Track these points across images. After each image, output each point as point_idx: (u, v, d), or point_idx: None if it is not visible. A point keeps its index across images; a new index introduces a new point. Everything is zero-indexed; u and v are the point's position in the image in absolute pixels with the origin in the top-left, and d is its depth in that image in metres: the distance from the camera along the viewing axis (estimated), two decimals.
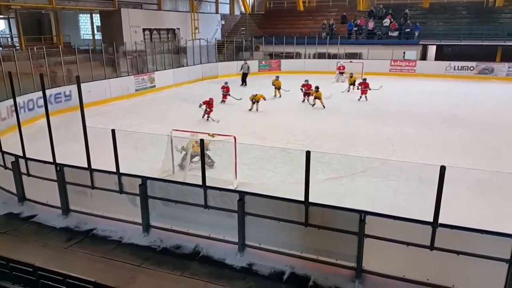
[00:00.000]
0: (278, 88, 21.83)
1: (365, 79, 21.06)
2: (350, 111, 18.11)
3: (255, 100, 18.00)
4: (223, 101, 19.89)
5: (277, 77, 22.44)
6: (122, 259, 6.96)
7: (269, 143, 11.92)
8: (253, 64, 31.46)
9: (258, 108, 17.97)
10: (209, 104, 16.01)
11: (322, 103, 18.87)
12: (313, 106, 19.10)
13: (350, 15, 34.79)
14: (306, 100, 20.34)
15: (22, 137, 8.50)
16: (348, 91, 21.98)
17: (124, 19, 25.66)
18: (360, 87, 20.76)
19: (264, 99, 18.26)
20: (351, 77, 23.03)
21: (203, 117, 15.96)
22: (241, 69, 26.91)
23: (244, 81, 26.49)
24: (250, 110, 17.91)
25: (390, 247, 6.07)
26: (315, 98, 19.00)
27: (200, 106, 15.95)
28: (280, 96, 21.81)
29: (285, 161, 11.68)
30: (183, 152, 10.40)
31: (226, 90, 19.99)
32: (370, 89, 20.59)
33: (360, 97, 20.67)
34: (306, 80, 20.64)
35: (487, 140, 13.86)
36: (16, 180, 8.83)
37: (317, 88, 19.26)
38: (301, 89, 20.44)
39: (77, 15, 32.15)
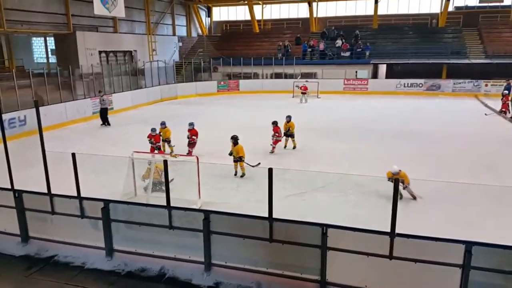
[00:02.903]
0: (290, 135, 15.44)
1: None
2: (305, 129, 18.49)
3: (236, 158, 12.16)
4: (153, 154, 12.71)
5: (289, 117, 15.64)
6: (85, 285, 6.80)
7: (231, 162, 12.04)
8: (212, 85, 31.78)
9: (243, 173, 12.24)
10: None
11: (293, 141, 15.26)
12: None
13: (303, 36, 35.90)
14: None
15: None
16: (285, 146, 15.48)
17: (80, 42, 25.40)
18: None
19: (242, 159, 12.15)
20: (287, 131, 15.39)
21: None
22: (100, 102, 20.58)
23: (105, 120, 20.42)
24: (235, 175, 12.28)
25: (352, 258, 6.24)
26: (285, 135, 15.07)
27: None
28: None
29: (247, 179, 11.83)
30: (146, 180, 10.38)
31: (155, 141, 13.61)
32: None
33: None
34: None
35: (438, 152, 14.54)
36: None
37: (288, 118, 15.30)
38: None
39: (30, 38, 31.41)
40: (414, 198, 9.99)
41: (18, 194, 7.90)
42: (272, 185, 6.39)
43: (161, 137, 13.87)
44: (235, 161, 12.09)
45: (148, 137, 13.55)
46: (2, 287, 6.63)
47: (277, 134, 14.69)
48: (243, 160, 12.00)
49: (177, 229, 7.13)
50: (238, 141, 12.19)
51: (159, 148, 13.58)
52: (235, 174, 12.16)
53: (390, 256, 6.06)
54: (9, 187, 7.83)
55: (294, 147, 15.26)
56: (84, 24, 27.05)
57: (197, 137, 13.72)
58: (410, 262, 5.99)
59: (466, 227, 8.36)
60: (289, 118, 15.38)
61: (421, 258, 5.94)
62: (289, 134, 15.20)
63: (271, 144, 14.74)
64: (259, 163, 11.94)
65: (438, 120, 20.92)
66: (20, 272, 7.20)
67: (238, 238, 6.80)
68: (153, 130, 13.53)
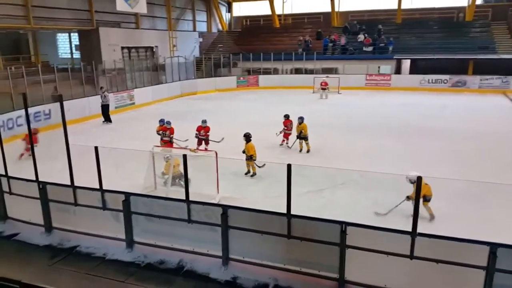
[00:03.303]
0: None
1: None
2: (327, 125, 18.39)
3: (247, 156, 11.89)
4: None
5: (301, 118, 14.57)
6: (106, 276, 6.94)
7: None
8: (232, 81, 31.82)
9: (254, 172, 12.00)
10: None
11: (307, 145, 14.17)
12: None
13: (325, 31, 35.53)
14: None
15: (4, 156, 8.42)
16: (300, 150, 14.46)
17: (103, 38, 25.77)
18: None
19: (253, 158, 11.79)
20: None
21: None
22: (102, 99, 19.98)
23: (106, 118, 20.07)
24: (246, 174, 12.05)
25: (371, 257, 6.17)
26: (298, 137, 14.19)
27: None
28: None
29: (266, 175, 11.82)
30: (165, 176, 10.48)
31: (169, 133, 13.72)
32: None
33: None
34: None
35: (462, 151, 14.23)
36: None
37: (300, 120, 14.15)
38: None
39: (55, 34, 32.02)
40: (432, 217, 8.95)
41: (43, 186, 8.08)
42: (291, 181, 6.36)
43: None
44: (247, 159, 11.82)
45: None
46: (26, 275, 6.78)
47: (285, 128, 14.67)
48: (254, 159, 11.70)
49: (195, 223, 7.19)
50: (251, 138, 11.91)
51: (172, 142, 13.60)
52: (246, 173, 11.94)
53: (411, 256, 5.97)
54: (34, 178, 8.01)
55: (308, 151, 14.17)
56: (107, 20, 27.45)
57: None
58: (432, 263, 5.89)
59: (490, 228, 8.15)
60: (301, 119, 14.16)
61: (443, 259, 5.83)
62: (302, 136, 14.08)
63: (278, 133, 14.76)
64: (264, 164, 11.58)
65: (463, 117, 20.44)
66: (44, 261, 7.39)
67: (256, 234, 6.81)
68: (168, 123, 13.64)
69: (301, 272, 6.69)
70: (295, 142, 14.45)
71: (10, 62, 23.82)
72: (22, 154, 13.09)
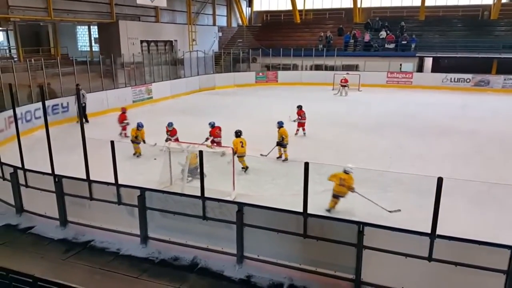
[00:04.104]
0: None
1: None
2: (346, 123, 18.16)
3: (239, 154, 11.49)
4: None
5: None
6: (120, 271, 6.92)
7: (266, 155, 11.94)
8: (250, 76, 31.70)
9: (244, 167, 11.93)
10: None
11: (285, 153, 12.94)
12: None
13: (346, 27, 35.08)
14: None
15: (21, 148, 8.48)
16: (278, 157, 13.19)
17: (122, 31, 25.89)
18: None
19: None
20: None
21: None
22: (76, 100, 17.62)
23: (83, 116, 16.32)
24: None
25: (389, 259, 6.05)
26: (278, 144, 12.88)
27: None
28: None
29: (283, 172, 11.68)
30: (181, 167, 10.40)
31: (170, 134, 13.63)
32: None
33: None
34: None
35: (484, 152, 13.93)
36: (14, 191, 8.79)
37: (279, 125, 13.03)
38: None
39: (75, 27, 32.38)
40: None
41: (58, 179, 8.10)
42: (308, 180, 6.24)
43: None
44: (239, 156, 11.44)
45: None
46: (41, 269, 6.82)
47: (300, 117, 15.65)
48: (240, 156, 11.50)
49: (210, 220, 7.11)
50: (239, 134, 11.74)
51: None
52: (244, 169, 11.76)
53: (429, 258, 5.85)
54: (50, 172, 8.04)
55: (286, 159, 12.86)
56: (127, 13, 27.61)
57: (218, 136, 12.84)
58: (451, 265, 5.76)
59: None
60: (280, 124, 12.98)
61: (462, 262, 5.70)
62: (281, 143, 12.76)
63: (292, 119, 15.24)
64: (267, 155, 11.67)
65: (486, 117, 19.92)
66: (58, 255, 7.41)
67: (272, 232, 6.70)
68: (169, 124, 13.60)
69: (317, 272, 6.58)
70: (273, 149, 12.89)
71: (30, 54, 24.14)
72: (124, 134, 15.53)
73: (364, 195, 8.98)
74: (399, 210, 8.90)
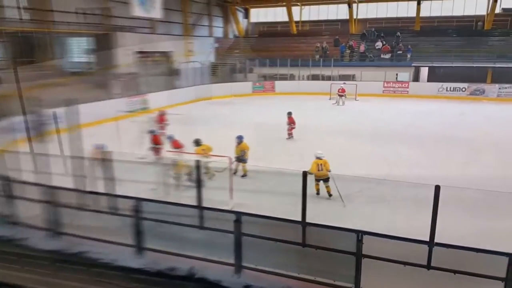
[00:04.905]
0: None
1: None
2: (344, 132, 18.15)
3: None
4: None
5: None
6: (115, 282, 6.79)
7: (263, 164, 11.86)
8: (247, 86, 31.77)
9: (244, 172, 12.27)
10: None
11: (243, 168, 12.37)
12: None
13: (342, 38, 35.34)
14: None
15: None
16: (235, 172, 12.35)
17: (118, 42, 25.85)
18: None
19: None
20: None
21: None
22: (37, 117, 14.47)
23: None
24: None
25: (388, 267, 5.98)
26: (237, 160, 12.18)
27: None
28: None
29: (281, 182, 11.61)
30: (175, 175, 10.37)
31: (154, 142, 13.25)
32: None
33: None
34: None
35: (481, 160, 13.93)
36: (5, 201, 8.65)
37: (239, 140, 12.38)
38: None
39: (70, 38, 32.33)
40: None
41: (50, 189, 7.95)
42: (306, 189, 6.20)
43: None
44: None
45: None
46: (31, 281, 6.67)
47: (292, 124, 16.69)
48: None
49: (207, 229, 7.01)
50: (200, 144, 11.65)
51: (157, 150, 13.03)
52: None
53: (428, 266, 5.82)
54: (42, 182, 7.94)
55: (245, 175, 12.32)
56: (122, 24, 27.61)
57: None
58: (449, 273, 5.72)
59: (510, 239, 7.87)
60: (240, 139, 12.34)
61: (461, 270, 5.66)
62: (242, 158, 12.16)
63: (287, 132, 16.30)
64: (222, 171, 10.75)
65: (482, 126, 20.06)
66: (49, 267, 7.24)
67: (270, 242, 6.62)
68: (152, 131, 13.34)
69: (316, 282, 6.47)
70: (233, 163, 11.70)
71: (23, 66, 24.04)
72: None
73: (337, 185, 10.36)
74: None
